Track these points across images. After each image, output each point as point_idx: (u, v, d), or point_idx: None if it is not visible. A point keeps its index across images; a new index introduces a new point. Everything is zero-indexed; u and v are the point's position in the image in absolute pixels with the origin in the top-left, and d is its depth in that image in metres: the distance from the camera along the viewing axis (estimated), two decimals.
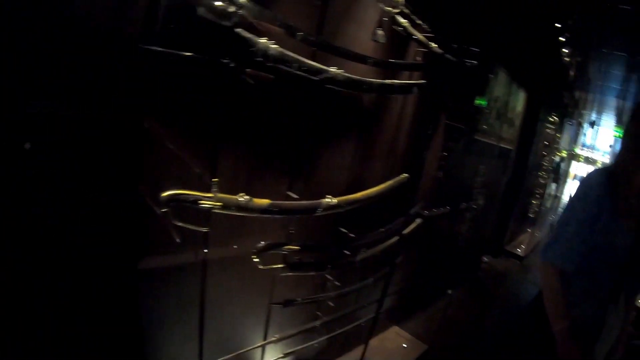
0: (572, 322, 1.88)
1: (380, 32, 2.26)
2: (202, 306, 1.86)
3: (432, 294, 4.69)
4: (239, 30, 1.55)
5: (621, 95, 8.73)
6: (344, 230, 2.63)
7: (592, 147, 16.17)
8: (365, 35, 2.35)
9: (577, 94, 8.91)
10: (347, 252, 2.58)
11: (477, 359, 3.71)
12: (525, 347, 2.13)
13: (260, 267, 1.99)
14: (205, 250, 1.80)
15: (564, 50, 5.77)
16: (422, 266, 4.14)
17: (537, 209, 9.08)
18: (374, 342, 3.57)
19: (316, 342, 2.70)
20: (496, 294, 5.53)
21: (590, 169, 14.66)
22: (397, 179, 2.83)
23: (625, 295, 1.95)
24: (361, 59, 2.17)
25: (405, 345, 3.72)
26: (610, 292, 1.90)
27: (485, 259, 6.31)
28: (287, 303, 2.37)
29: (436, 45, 2.72)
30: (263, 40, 1.63)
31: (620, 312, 1.95)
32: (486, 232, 6.20)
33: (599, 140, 15.45)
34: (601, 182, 1.88)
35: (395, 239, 3.00)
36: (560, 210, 10.22)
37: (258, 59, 1.63)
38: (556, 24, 4.97)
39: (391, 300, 3.67)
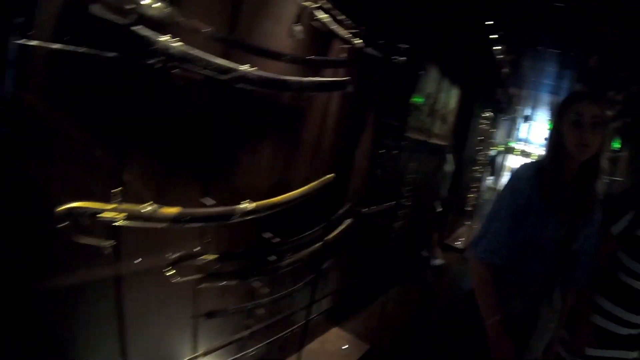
0: (504, 317, 1.89)
1: (297, 27, 2.21)
2: (121, 324, 1.76)
3: (372, 292, 4.72)
4: (136, 27, 1.47)
5: (554, 91, 9.12)
6: (269, 235, 2.57)
7: (526, 141, 16.92)
8: (283, 32, 2.29)
9: (511, 90, 9.22)
10: (273, 258, 2.53)
11: (418, 355, 3.75)
12: (462, 342, 2.14)
13: (175, 280, 1.91)
14: (119, 265, 1.70)
15: (497, 47, 5.93)
16: (360, 265, 4.16)
17: (474, 202, 9.39)
18: (314, 345, 3.55)
19: (253, 350, 2.64)
20: (437, 289, 5.70)
21: (526, 161, 15.33)
22: (321, 179, 2.79)
23: (559, 291, 2.01)
24: (275, 55, 2.11)
25: (346, 347, 3.71)
26: (542, 287, 1.95)
27: (424, 253, 6.48)
28: (211, 315, 2.27)
29: (360, 41, 2.71)
30: (164, 38, 1.55)
31: (554, 308, 2.01)
32: (424, 226, 6.33)
33: (534, 134, 16.19)
34: (530, 176, 1.91)
35: (323, 241, 2.97)
36: None
37: (158, 58, 1.55)
38: (488, 22, 5.09)
39: (330, 300, 3.65)
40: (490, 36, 5.56)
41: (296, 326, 3.08)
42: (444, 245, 7.26)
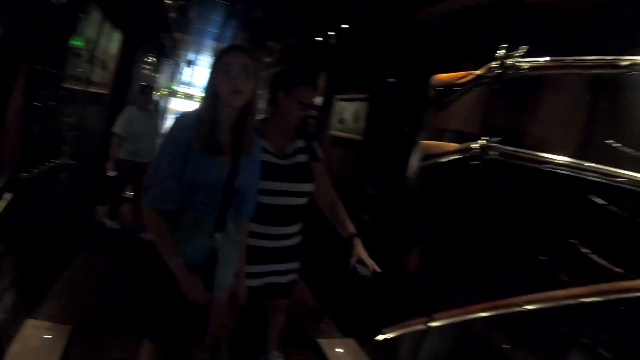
0: (188, 256, 2.14)
1: None
2: None
3: (56, 268, 4.47)
4: None
5: (218, 39, 9.81)
6: None
7: (190, 84, 17.89)
8: None
9: (176, 34, 9.50)
10: None
11: (125, 317, 3.68)
12: (157, 290, 2.29)
13: None
14: None
15: None
16: (32, 239, 3.81)
17: None
18: (16, 347, 3.19)
19: None
20: (122, 248, 5.73)
21: (190, 104, 16.30)
22: None
23: (233, 225, 2.33)
24: None
25: (49, 336, 3.40)
26: (216, 223, 2.21)
27: (99, 207, 6.46)
28: None
29: None
30: None
31: (232, 240, 2.32)
32: (93, 184, 6.20)
33: (197, 78, 17.26)
34: (189, 124, 2.15)
35: None
36: None
37: None
38: None
39: (13, 293, 3.29)
40: None
41: None
42: (121, 199, 7.13)
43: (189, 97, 17.66)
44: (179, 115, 2.27)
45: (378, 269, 2.67)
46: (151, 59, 8.63)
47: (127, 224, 6.49)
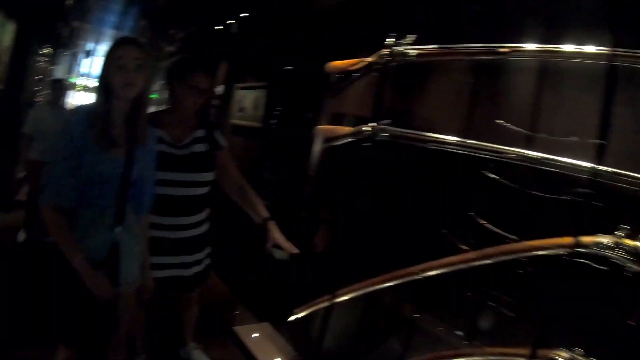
0: (90, 252, 2.15)
1: None
2: None
3: None
4: None
5: (118, 27, 9.62)
6: None
7: (89, 75, 17.16)
8: None
9: (74, 24, 9.22)
10: None
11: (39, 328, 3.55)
12: (66, 293, 2.24)
13: None
14: None
15: None
16: None
17: None
18: None
19: None
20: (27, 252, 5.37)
21: (89, 97, 15.66)
22: None
23: (133, 217, 2.35)
24: None
25: None
26: (116, 217, 2.24)
27: None
28: None
29: None
30: None
31: (133, 233, 2.34)
32: None
33: (96, 69, 16.54)
34: (82, 118, 2.15)
35: None
36: None
37: None
38: None
39: None
40: None
41: None
42: (15, 202, 6.82)
43: (87, 89, 16.95)
44: (72, 110, 2.29)
45: (296, 251, 2.72)
46: (47, 50, 8.31)
47: (34, 230, 6.18)
